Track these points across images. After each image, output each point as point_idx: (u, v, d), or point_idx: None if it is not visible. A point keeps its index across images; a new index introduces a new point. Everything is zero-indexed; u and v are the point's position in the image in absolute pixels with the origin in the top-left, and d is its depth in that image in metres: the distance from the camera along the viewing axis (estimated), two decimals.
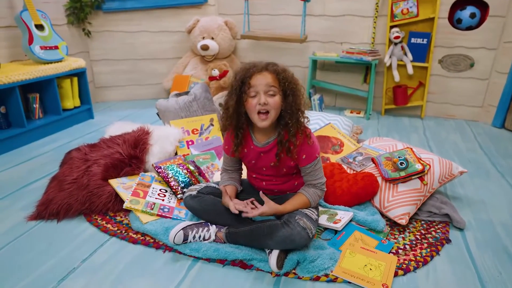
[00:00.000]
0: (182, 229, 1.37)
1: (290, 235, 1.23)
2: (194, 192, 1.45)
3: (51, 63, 2.63)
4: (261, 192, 1.35)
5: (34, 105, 2.57)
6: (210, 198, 1.43)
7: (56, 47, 2.67)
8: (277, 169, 1.37)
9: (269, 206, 1.30)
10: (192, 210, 1.47)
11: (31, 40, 2.52)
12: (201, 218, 1.47)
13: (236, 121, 1.31)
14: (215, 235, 1.39)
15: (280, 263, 1.26)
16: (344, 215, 1.53)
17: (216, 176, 1.83)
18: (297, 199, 1.35)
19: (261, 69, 1.24)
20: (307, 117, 1.32)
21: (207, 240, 1.39)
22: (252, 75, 1.24)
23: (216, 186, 1.48)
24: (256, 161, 1.38)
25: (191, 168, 1.82)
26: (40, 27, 2.59)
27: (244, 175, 1.59)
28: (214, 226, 1.41)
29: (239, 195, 1.49)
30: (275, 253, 1.26)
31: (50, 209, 1.58)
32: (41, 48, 2.57)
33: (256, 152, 1.37)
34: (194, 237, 1.37)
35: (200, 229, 1.39)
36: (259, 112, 1.25)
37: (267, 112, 1.25)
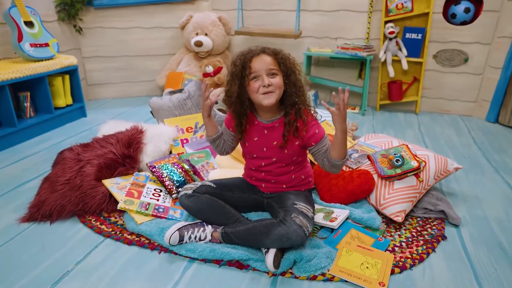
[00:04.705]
0: (177, 229, 1.35)
1: (286, 233, 1.23)
2: (190, 191, 1.43)
3: (41, 60, 2.58)
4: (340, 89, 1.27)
5: (25, 104, 2.53)
6: (205, 197, 1.41)
7: (47, 45, 2.62)
8: (280, 150, 1.36)
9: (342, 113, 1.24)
10: (187, 210, 1.45)
11: (20, 37, 2.46)
12: (196, 218, 1.46)
13: (240, 107, 1.33)
14: (211, 235, 1.38)
15: (276, 262, 1.25)
16: (340, 213, 1.52)
17: (211, 175, 1.82)
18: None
19: (259, 52, 1.28)
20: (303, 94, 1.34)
21: (203, 240, 1.38)
22: (251, 58, 1.27)
23: (212, 185, 1.46)
24: (259, 138, 1.38)
25: (186, 167, 1.81)
26: (29, 24, 2.54)
27: (240, 173, 1.59)
28: (210, 226, 1.40)
29: (234, 193, 1.47)
30: (272, 252, 1.25)
31: (42, 210, 1.55)
32: (31, 45, 2.52)
33: (260, 127, 1.37)
34: (190, 237, 1.36)
35: (196, 230, 1.38)
36: (263, 93, 1.28)
37: (271, 92, 1.27)
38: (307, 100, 1.35)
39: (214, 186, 1.46)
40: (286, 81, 1.29)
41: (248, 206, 1.52)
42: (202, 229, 1.38)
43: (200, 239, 1.37)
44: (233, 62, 1.31)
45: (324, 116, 2.29)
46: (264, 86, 1.26)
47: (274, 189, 1.47)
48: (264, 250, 1.30)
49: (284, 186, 1.45)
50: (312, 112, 1.37)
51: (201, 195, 1.42)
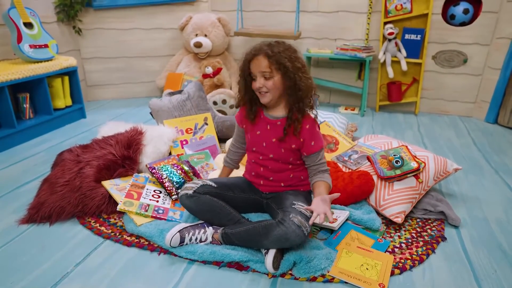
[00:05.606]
0: (178, 231, 1.35)
1: (285, 234, 1.23)
2: (190, 192, 1.42)
3: (41, 62, 2.58)
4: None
5: (24, 105, 2.53)
6: (206, 198, 1.41)
7: (46, 46, 2.62)
8: (277, 147, 1.39)
9: (320, 204, 1.24)
10: (188, 209, 1.46)
11: (20, 38, 2.46)
12: (197, 217, 1.47)
13: (249, 100, 1.40)
14: (212, 237, 1.38)
15: (276, 263, 1.25)
16: (340, 214, 1.52)
17: (211, 176, 1.82)
18: (321, 186, 1.35)
19: (257, 52, 1.30)
20: (314, 96, 1.35)
21: (204, 242, 1.37)
22: (251, 60, 1.32)
23: (212, 185, 1.45)
24: (262, 132, 1.41)
25: (186, 168, 1.80)
26: (29, 25, 2.54)
27: (239, 174, 1.59)
28: (211, 228, 1.40)
29: (235, 193, 1.48)
30: (272, 253, 1.25)
31: (42, 212, 1.55)
32: (31, 46, 2.52)
33: (264, 122, 1.41)
34: (190, 239, 1.36)
35: (197, 231, 1.37)
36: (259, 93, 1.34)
37: (266, 92, 1.32)
38: (307, 103, 1.34)
39: (215, 185, 1.45)
40: (284, 82, 1.30)
41: (248, 207, 1.52)
42: (203, 230, 1.38)
43: (201, 241, 1.37)
44: (242, 59, 1.36)
45: (323, 117, 2.29)
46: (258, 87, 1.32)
47: (272, 188, 1.47)
48: (264, 251, 1.30)
49: (282, 184, 1.45)
50: (313, 116, 1.39)
51: (202, 196, 1.41)
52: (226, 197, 1.45)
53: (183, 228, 1.37)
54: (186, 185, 1.45)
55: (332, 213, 1.54)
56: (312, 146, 1.36)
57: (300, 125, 1.34)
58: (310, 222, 1.20)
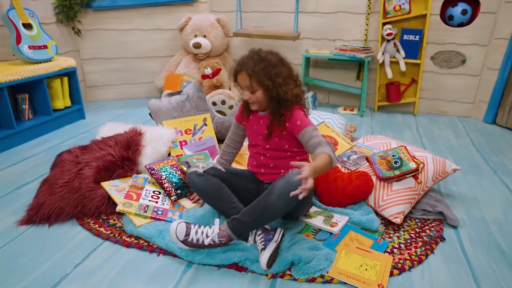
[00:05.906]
0: (184, 222, 1.34)
1: (288, 181, 1.24)
2: (200, 170, 1.44)
3: (40, 63, 2.58)
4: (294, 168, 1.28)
5: (24, 106, 2.53)
6: (215, 181, 1.44)
7: (45, 47, 2.62)
8: (270, 138, 1.45)
9: (308, 169, 1.17)
10: (193, 187, 1.48)
11: (19, 39, 2.46)
12: (201, 198, 1.51)
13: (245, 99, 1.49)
14: (219, 228, 1.35)
15: (270, 261, 1.26)
16: (340, 218, 1.53)
17: None
18: (320, 156, 1.28)
19: (241, 68, 1.39)
20: (298, 99, 1.42)
21: (210, 237, 1.33)
22: (237, 74, 1.41)
23: (222, 169, 1.49)
24: (257, 127, 1.50)
25: (185, 169, 1.81)
26: (28, 26, 2.53)
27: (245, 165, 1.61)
28: (217, 220, 1.39)
29: (240, 181, 1.52)
30: (268, 251, 1.27)
31: (41, 213, 1.55)
32: (30, 47, 2.52)
33: (258, 118, 1.50)
34: (196, 232, 1.33)
35: (202, 225, 1.36)
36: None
37: (253, 102, 1.43)
38: (293, 105, 1.40)
39: (223, 170, 1.49)
40: (267, 93, 1.37)
41: (250, 198, 1.50)
42: (208, 226, 1.37)
43: (207, 236, 1.33)
44: (232, 70, 1.45)
45: (322, 118, 2.30)
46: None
47: (274, 176, 1.48)
48: (260, 248, 1.30)
49: (282, 171, 1.47)
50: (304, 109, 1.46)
51: (212, 177, 1.44)
52: (232, 183, 1.49)
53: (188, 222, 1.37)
54: (196, 163, 1.50)
55: (332, 216, 1.55)
56: (298, 125, 1.39)
57: (284, 115, 1.40)
58: (299, 189, 1.15)
